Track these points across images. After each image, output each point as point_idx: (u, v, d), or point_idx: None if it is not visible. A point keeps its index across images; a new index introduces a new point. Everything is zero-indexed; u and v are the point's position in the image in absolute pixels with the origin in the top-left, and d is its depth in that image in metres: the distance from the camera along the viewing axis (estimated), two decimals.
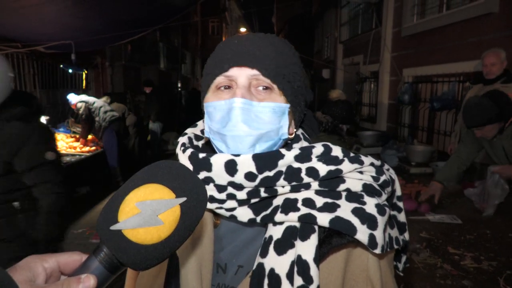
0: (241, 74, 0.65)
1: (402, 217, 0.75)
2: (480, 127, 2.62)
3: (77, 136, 5.83)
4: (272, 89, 0.66)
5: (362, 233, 0.58)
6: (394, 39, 7.00)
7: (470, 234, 2.69)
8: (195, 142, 0.76)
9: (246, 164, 0.62)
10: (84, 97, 5.74)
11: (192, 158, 0.66)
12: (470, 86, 3.73)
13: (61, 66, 6.87)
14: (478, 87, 3.51)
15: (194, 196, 0.50)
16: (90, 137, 5.84)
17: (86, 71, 8.11)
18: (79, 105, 5.56)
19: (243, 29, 31.59)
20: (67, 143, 5.44)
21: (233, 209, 0.65)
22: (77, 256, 0.48)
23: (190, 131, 0.79)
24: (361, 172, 0.64)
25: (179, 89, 11.17)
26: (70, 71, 7.32)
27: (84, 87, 8.21)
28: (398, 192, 0.73)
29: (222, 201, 0.65)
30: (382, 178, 0.65)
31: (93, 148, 5.44)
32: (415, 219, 2.95)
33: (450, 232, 2.74)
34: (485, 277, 2.17)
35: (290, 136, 0.71)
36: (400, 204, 0.74)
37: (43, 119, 5.77)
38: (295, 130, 0.73)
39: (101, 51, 8.47)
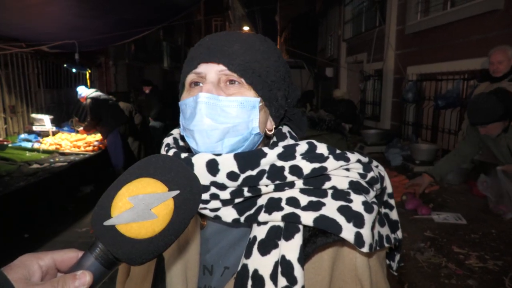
0: (210, 70, 0.65)
1: (394, 215, 0.73)
2: (484, 125, 2.60)
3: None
4: (241, 84, 0.65)
5: (348, 232, 0.57)
6: (398, 37, 6.96)
7: (475, 233, 2.66)
8: (180, 143, 0.76)
9: (227, 164, 0.61)
10: (93, 92, 5.57)
11: None
12: (477, 83, 3.70)
13: (65, 65, 6.90)
14: (484, 85, 3.49)
15: (187, 189, 0.49)
16: (95, 137, 5.80)
17: (89, 70, 8.14)
18: (89, 101, 5.43)
19: (246, 28, 31.57)
20: (71, 142, 5.46)
21: (217, 209, 0.64)
22: (73, 253, 0.49)
23: (176, 131, 0.78)
24: (347, 169, 0.63)
25: None
26: (74, 70, 7.35)
27: (88, 86, 8.24)
28: (389, 189, 0.72)
29: (206, 202, 0.64)
30: (370, 175, 0.64)
31: (96, 147, 5.44)
32: (419, 218, 2.93)
33: (454, 231, 2.72)
34: (491, 276, 2.15)
35: (269, 133, 0.71)
36: (392, 201, 0.73)
37: (47, 118, 5.80)
38: (274, 126, 0.72)
39: (105, 50, 8.49)
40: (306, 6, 17.06)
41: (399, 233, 0.73)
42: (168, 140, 0.74)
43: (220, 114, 0.64)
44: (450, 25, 5.16)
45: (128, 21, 5.05)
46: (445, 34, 5.33)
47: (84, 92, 5.55)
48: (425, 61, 5.91)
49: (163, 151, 0.71)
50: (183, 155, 0.65)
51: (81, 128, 5.73)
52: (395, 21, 7.00)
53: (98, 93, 5.61)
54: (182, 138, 0.76)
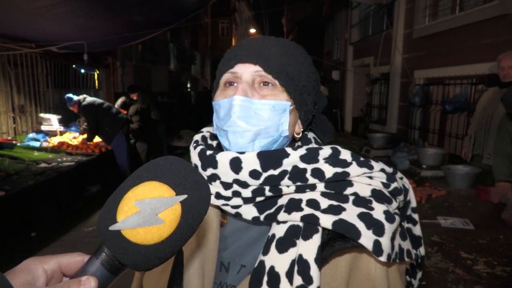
0: (245, 70, 0.67)
1: (417, 230, 0.72)
2: None
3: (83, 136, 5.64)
4: (274, 85, 0.67)
5: (367, 238, 0.56)
6: (405, 40, 6.93)
7: (483, 238, 2.64)
8: (209, 141, 0.78)
9: (250, 162, 0.62)
10: (86, 98, 5.35)
11: (201, 154, 0.68)
12: (485, 88, 3.67)
13: (74, 66, 6.97)
14: (493, 90, 3.46)
15: (195, 193, 0.48)
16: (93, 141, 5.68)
17: (98, 71, 8.20)
18: (84, 108, 5.19)
19: (252, 30, 31.65)
20: (78, 142, 5.50)
21: (238, 206, 0.66)
22: (79, 257, 0.47)
23: (206, 129, 0.81)
24: (370, 177, 0.63)
25: (189, 89, 11.24)
26: (82, 71, 7.42)
27: (96, 87, 8.32)
28: (413, 203, 0.71)
29: (228, 198, 0.65)
30: (393, 185, 0.63)
31: (103, 147, 5.46)
32: (426, 222, 2.91)
33: (462, 236, 2.70)
34: (498, 282, 2.13)
35: (297, 136, 0.72)
36: (416, 216, 0.72)
37: (55, 118, 5.84)
38: (302, 130, 0.73)
39: (113, 51, 8.55)
40: (312, 9, 17.07)
41: (422, 250, 0.71)
42: (197, 137, 0.76)
43: (253, 116, 0.66)
44: (458, 30, 5.13)
45: (137, 23, 5.09)
46: (453, 38, 5.30)
47: (75, 99, 5.21)
48: (433, 65, 5.88)
49: (191, 147, 0.72)
50: (209, 152, 0.67)
51: (81, 138, 5.44)
52: (403, 25, 6.97)
53: (92, 99, 5.36)
54: (211, 137, 0.79)
